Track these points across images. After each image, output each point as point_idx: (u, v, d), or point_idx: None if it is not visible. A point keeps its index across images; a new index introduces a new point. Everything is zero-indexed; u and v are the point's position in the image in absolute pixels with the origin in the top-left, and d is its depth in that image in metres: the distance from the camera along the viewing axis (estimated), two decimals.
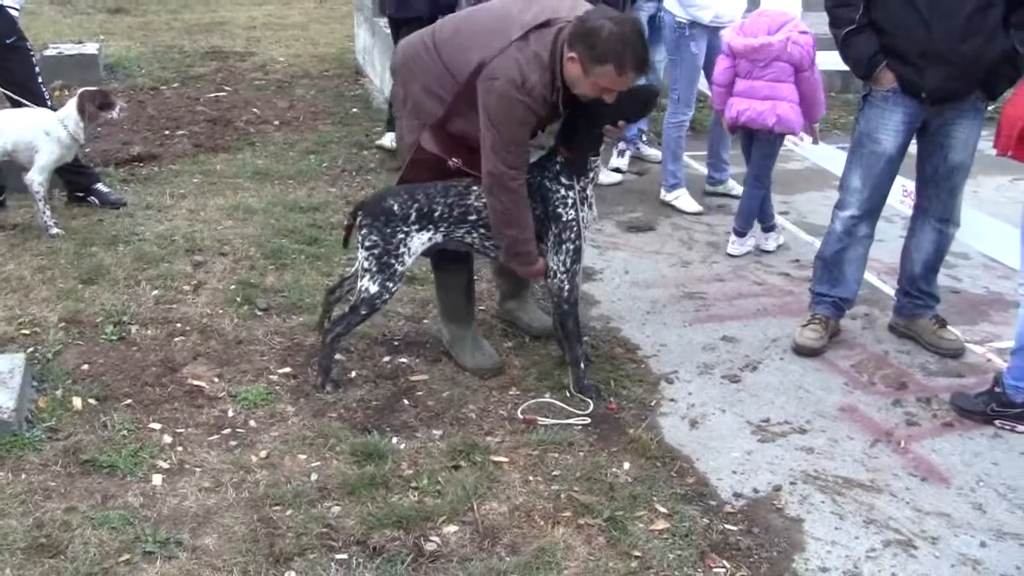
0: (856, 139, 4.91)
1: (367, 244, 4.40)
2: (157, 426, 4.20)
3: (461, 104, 4.29)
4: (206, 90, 9.80)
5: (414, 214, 4.37)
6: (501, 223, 4.33)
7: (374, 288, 4.42)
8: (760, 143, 6.17)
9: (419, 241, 4.42)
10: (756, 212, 6.30)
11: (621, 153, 7.79)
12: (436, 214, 4.39)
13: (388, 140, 7.84)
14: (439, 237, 4.45)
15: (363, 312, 4.49)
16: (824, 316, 5.11)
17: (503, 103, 4.13)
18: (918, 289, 5.11)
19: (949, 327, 5.12)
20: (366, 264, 4.42)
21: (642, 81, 7.24)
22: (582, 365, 4.57)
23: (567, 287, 4.49)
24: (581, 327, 4.66)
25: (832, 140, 7.80)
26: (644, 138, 8.19)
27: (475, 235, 4.47)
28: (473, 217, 4.42)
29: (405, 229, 4.38)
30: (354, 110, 9.64)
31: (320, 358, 4.57)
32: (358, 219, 4.46)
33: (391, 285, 4.43)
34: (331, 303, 4.87)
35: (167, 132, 8.43)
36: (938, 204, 4.92)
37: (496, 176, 4.22)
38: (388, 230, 4.37)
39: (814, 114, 6.10)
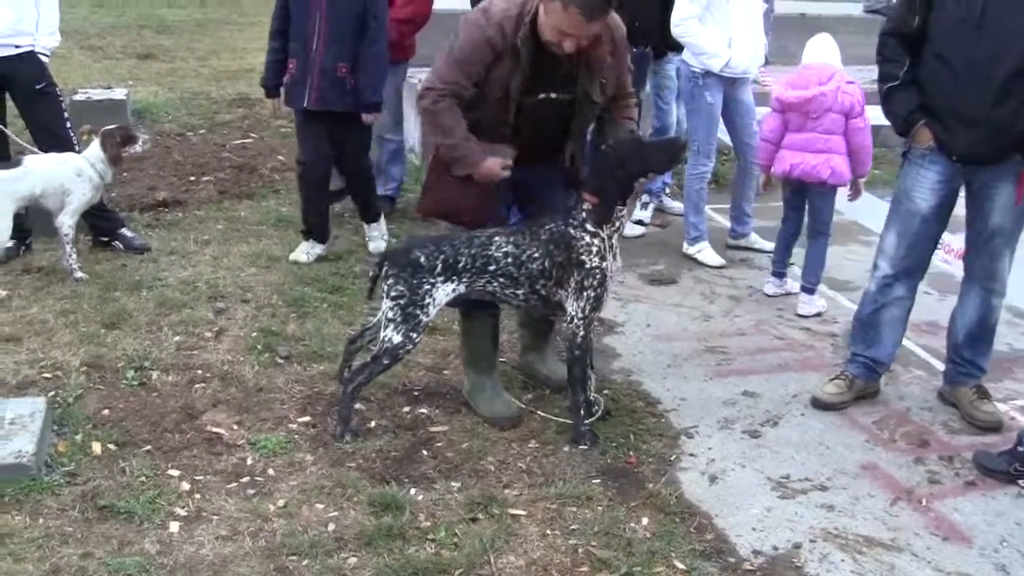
0: (894, 196, 4.91)
1: (393, 294, 4.42)
2: (176, 473, 4.21)
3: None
4: (232, 137, 9.88)
5: (440, 265, 4.40)
6: (432, 131, 4.53)
7: (398, 338, 4.44)
8: (819, 195, 6.17)
9: (444, 292, 4.44)
10: (824, 262, 6.29)
11: (644, 206, 7.80)
12: (460, 265, 4.42)
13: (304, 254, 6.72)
14: (462, 288, 4.48)
15: (385, 362, 4.50)
16: (851, 375, 5.08)
17: (466, 25, 4.35)
18: (960, 356, 5.02)
19: (991, 400, 5.00)
20: (390, 314, 4.44)
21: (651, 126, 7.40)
22: (582, 412, 4.59)
23: (581, 333, 4.51)
24: (600, 378, 4.68)
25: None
26: (668, 191, 8.21)
27: (495, 284, 4.49)
28: (493, 267, 4.44)
29: (431, 280, 4.40)
30: None
31: (340, 407, 4.57)
32: (384, 270, 4.49)
33: (415, 336, 4.45)
34: (352, 352, 4.88)
35: (193, 178, 8.49)
36: (980, 268, 4.84)
37: (427, 86, 4.41)
38: (415, 281, 4.39)
39: (860, 167, 6.08)
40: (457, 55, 4.34)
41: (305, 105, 6.39)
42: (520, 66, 4.33)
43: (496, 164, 4.47)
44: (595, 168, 4.49)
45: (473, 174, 4.48)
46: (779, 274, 6.48)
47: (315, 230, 6.76)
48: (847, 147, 5.99)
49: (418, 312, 4.42)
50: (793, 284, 6.44)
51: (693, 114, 6.99)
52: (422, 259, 4.41)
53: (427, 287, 4.40)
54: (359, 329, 5.04)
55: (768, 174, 6.37)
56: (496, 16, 4.28)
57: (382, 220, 7.01)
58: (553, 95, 4.47)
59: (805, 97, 5.92)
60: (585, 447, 4.51)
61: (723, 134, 7.17)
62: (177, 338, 5.44)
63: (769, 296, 6.41)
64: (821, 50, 6.12)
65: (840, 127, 5.94)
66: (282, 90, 6.55)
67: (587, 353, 4.60)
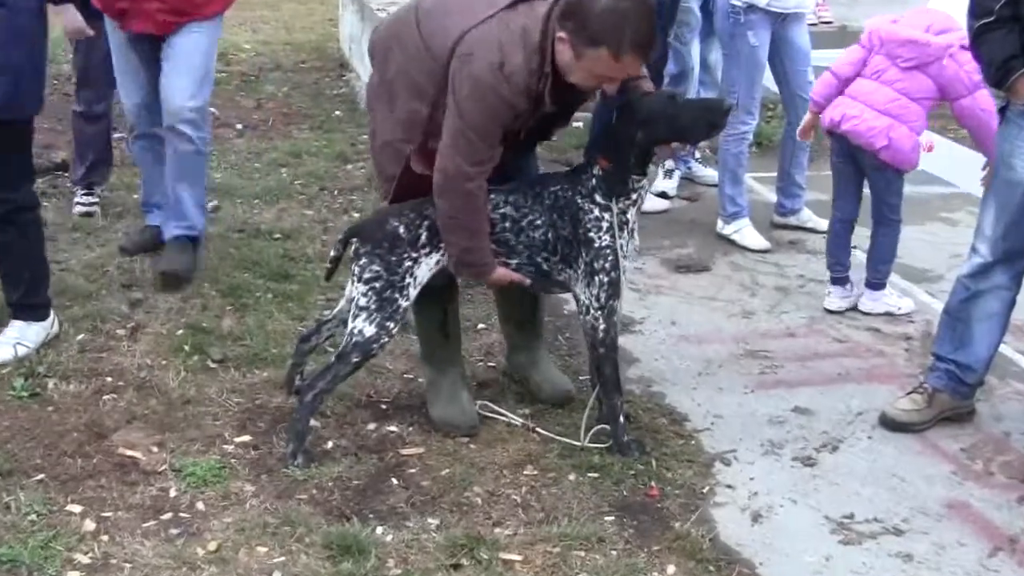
0: (993, 165, 4.86)
1: (366, 276, 4.44)
2: (77, 508, 4.14)
3: (444, 97, 4.35)
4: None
5: (425, 234, 4.46)
6: (449, 229, 4.41)
7: (370, 330, 4.44)
8: (877, 172, 5.99)
9: (427, 267, 4.50)
10: (894, 253, 6.17)
11: (668, 174, 7.77)
12: None
13: None
14: (446, 259, 4.53)
15: (355, 360, 4.50)
16: (932, 388, 5.02)
17: (476, 88, 4.21)
18: None
19: None
20: (363, 301, 4.45)
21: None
22: (621, 419, 4.63)
23: (602, 326, 4.57)
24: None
25: None
26: (697, 155, 8.16)
27: None
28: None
29: (414, 255, 4.45)
30: (337, 113, 9.64)
31: (294, 420, 4.53)
32: (353, 247, 4.51)
33: (391, 325, 4.47)
34: (305, 353, 4.89)
35: None
36: None
37: (452, 175, 4.30)
38: (393, 258, 4.43)
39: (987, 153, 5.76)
40: (477, 129, 4.26)
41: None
42: (540, 111, 4.37)
43: (507, 273, 4.58)
44: (611, 126, 4.52)
45: (480, 280, 4.67)
46: (840, 280, 6.24)
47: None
48: (968, 129, 5.87)
49: (396, 296, 4.45)
50: (903, 301, 6.24)
51: (732, 59, 6.97)
52: (401, 230, 4.45)
53: (408, 264, 4.45)
54: (314, 324, 5.02)
55: (815, 113, 6.22)
56: (519, 78, 4.20)
57: (45, 323, 5.35)
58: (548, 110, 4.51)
59: (901, 37, 5.74)
60: (634, 458, 4.56)
61: (769, 83, 7.11)
62: (81, 337, 5.40)
63: (832, 312, 6.20)
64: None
65: (924, 95, 5.77)
66: None
67: (614, 350, 4.64)
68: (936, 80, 5.73)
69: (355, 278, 4.49)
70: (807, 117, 6.38)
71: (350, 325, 4.49)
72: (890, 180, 6.01)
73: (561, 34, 4.14)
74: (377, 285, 4.43)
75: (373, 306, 4.44)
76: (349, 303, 4.56)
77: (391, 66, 4.52)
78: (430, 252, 4.48)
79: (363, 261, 4.46)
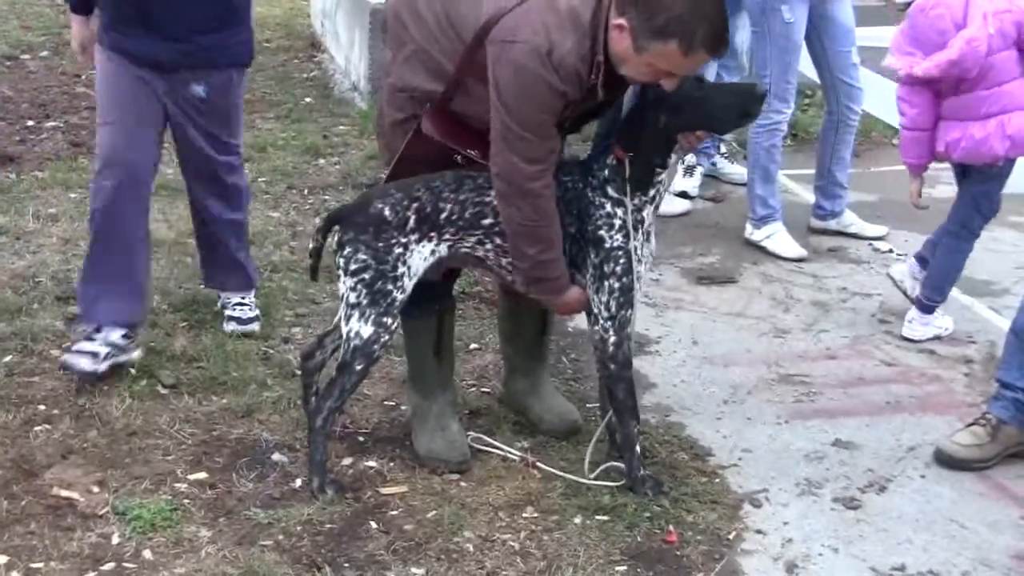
0: None
1: (353, 268, 4.46)
2: (2, 559, 4.13)
3: (467, 79, 4.37)
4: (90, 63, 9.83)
5: (414, 217, 4.46)
6: (519, 238, 4.41)
7: (367, 330, 4.47)
8: (979, 174, 5.87)
9: (420, 256, 4.50)
10: (957, 275, 6.08)
11: (690, 171, 7.75)
12: (443, 216, 4.48)
13: None
14: (444, 249, 4.54)
15: (358, 368, 4.52)
16: (995, 419, 5.01)
17: (521, 78, 4.21)
18: None
19: None
20: (353, 297, 4.48)
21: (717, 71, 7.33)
22: (637, 449, 4.64)
23: (612, 339, 4.57)
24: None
25: None
26: (723, 149, 8.16)
27: (489, 245, 4.56)
28: (489, 221, 4.50)
29: (403, 240, 4.46)
30: (307, 99, 9.66)
31: (312, 451, 4.57)
32: (336, 237, 4.53)
33: (389, 321, 4.49)
34: (312, 372, 4.89)
35: (31, 123, 8.47)
36: None
37: (511, 177, 4.32)
38: (380, 244, 4.44)
39: None
40: (528, 123, 4.26)
41: None
42: (591, 101, 4.39)
43: (582, 296, 4.62)
44: (631, 111, 4.54)
45: (549, 302, 4.68)
46: (927, 307, 6.08)
47: None
48: None
49: (390, 287, 4.46)
50: (945, 320, 6.12)
51: (763, 38, 6.99)
52: (386, 212, 4.46)
53: (398, 250, 4.45)
54: (316, 337, 5.02)
55: (919, 175, 6.01)
56: (569, 64, 4.19)
57: None
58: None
59: (950, 60, 5.53)
60: (650, 498, 4.56)
61: (806, 67, 7.12)
62: (8, 358, 5.42)
63: (912, 341, 6.08)
64: None
65: (1016, 66, 5.63)
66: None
67: (628, 368, 4.64)
68: (1013, 42, 5.57)
69: (340, 271, 4.50)
70: (914, 184, 6.09)
71: (344, 328, 4.51)
72: (997, 180, 5.88)
73: (620, 21, 4.11)
74: (366, 276, 4.44)
75: (365, 301, 4.45)
76: None
77: (407, 45, 4.51)
78: (420, 240, 4.47)
79: (347, 251, 4.47)
